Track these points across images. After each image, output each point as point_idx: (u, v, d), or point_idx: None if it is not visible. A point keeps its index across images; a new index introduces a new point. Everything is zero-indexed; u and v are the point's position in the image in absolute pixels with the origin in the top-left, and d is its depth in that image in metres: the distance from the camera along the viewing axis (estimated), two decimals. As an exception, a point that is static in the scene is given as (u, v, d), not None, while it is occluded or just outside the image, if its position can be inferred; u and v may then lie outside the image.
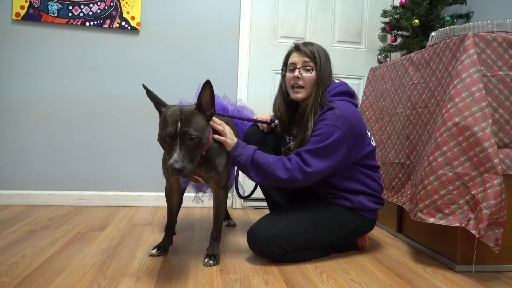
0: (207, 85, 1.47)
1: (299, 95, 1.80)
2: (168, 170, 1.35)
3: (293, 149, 1.78)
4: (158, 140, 1.46)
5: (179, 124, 1.38)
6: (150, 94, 1.51)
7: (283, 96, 1.91)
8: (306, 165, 1.62)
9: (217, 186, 1.71)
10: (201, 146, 1.46)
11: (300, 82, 1.78)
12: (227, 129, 1.70)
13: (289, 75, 1.82)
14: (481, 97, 1.59)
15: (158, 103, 1.50)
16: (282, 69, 1.91)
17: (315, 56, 1.77)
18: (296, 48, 1.83)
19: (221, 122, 1.71)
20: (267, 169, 1.64)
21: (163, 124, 1.41)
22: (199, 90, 2.02)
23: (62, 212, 2.50)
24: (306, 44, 1.82)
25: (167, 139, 1.39)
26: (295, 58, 1.81)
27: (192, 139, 1.39)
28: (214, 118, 1.69)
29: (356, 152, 1.74)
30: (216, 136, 1.66)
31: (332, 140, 1.62)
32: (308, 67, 1.77)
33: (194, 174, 1.65)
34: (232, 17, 2.88)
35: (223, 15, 2.87)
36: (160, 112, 1.49)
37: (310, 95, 1.78)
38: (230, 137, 1.69)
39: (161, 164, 1.75)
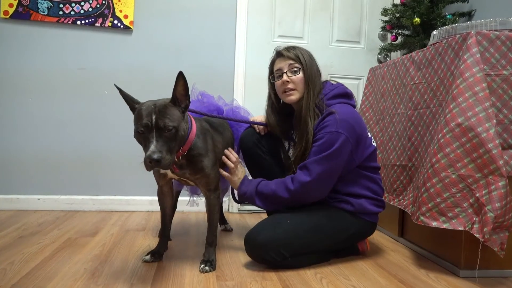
0: (180, 76, 1.47)
1: (293, 97, 1.81)
2: (146, 162, 1.37)
3: (293, 157, 1.80)
4: (134, 136, 1.47)
5: (153, 117, 1.40)
6: (122, 94, 1.52)
7: (272, 106, 1.95)
8: (307, 175, 1.66)
9: (207, 189, 1.70)
10: (178, 138, 1.47)
11: (290, 85, 1.80)
12: (239, 170, 1.83)
13: (278, 82, 1.85)
14: (485, 97, 1.59)
15: (132, 101, 1.52)
16: (269, 78, 1.93)
17: (298, 57, 1.80)
18: (278, 54, 1.86)
19: (237, 158, 1.84)
20: (271, 196, 1.73)
21: (137, 118, 1.44)
22: (193, 91, 2.02)
23: (52, 217, 2.47)
24: (287, 48, 1.85)
25: (143, 132, 1.41)
26: (280, 64, 1.84)
27: (168, 130, 1.41)
28: (231, 152, 1.83)
29: (359, 155, 1.75)
30: (223, 173, 1.80)
31: (336, 147, 1.64)
32: (295, 69, 1.80)
33: (182, 175, 1.66)
34: (228, 16, 2.87)
35: (219, 13, 2.86)
36: (134, 110, 1.51)
37: (303, 96, 1.80)
38: (238, 176, 1.83)
39: None
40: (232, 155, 1.82)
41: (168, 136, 1.42)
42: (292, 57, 1.80)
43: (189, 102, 1.55)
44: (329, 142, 1.64)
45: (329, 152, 1.64)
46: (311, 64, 1.81)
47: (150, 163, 1.36)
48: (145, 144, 1.42)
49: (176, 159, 1.58)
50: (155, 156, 1.35)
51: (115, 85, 1.54)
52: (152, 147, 1.37)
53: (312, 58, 1.85)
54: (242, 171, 1.85)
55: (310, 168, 1.66)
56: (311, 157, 1.68)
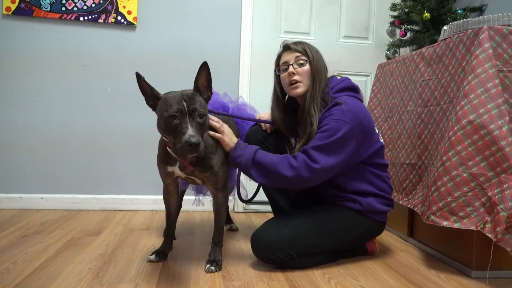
0: (204, 67, 1.51)
1: (299, 89, 1.81)
2: (184, 147, 1.36)
3: (298, 149, 1.78)
4: (160, 124, 1.47)
5: (184, 103, 1.42)
6: (143, 82, 1.50)
7: (278, 101, 1.95)
8: (314, 162, 1.61)
9: (215, 188, 1.70)
10: (206, 127, 1.50)
11: (296, 77, 1.80)
12: (226, 128, 1.72)
13: (284, 74, 1.86)
14: (497, 93, 1.58)
15: (155, 91, 1.51)
16: (275, 70, 1.93)
17: (305, 50, 1.82)
18: (286, 47, 1.88)
19: (218, 119, 1.72)
20: (270, 168, 1.65)
21: (167, 105, 1.43)
22: None
23: (55, 216, 2.49)
24: (295, 42, 1.87)
25: (176, 118, 1.41)
26: (286, 57, 1.85)
27: (201, 116, 1.44)
28: (210, 116, 1.70)
29: (364, 149, 1.74)
30: (212, 133, 1.67)
31: (340, 135, 1.62)
32: (301, 61, 1.81)
33: (190, 174, 1.65)
34: (233, 11, 2.87)
35: (224, 9, 2.86)
36: (155, 101, 1.51)
37: (309, 89, 1.80)
38: (228, 136, 1.71)
39: (157, 165, 1.75)
40: (213, 118, 1.71)
41: (200, 123, 1.44)
42: (299, 50, 1.82)
43: (211, 94, 1.58)
44: (333, 129, 1.63)
45: (333, 139, 1.61)
46: (317, 58, 1.82)
47: (190, 147, 1.35)
48: (177, 130, 1.41)
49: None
50: (194, 139, 1.35)
51: (136, 73, 1.50)
52: (190, 131, 1.37)
53: (319, 54, 1.86)
54: (231, 132, 1.74)
55: (313, 155, 1.61)
56: (313, 142, 1.65)
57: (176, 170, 1.66)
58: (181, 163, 1.62)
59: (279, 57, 1.91)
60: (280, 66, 1.88)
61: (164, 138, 1.56)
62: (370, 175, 1.79)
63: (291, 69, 1.81)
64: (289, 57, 1.83)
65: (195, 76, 1.52)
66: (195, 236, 2.17)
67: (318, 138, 1.65)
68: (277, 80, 1.95)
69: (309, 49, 1.82)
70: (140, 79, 1.49)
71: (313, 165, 1.60)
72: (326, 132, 1.64)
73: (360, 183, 1.78)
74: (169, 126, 1.43)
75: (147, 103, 1.54)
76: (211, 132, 1.67)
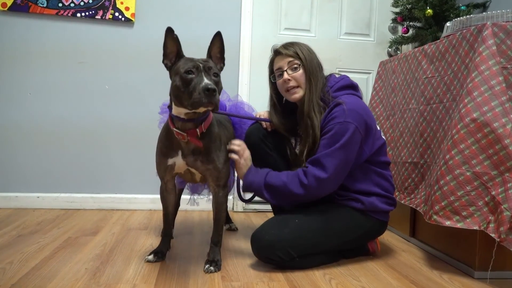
0: (217, 36, 1.60)
1: (297, 95, 1.81)
2: (201, 95, 1.39)
3: (300, 153, 1.79)
4: (176, 82, 1.49)
5: (200, 65, 1.48)
6: (173, 40, 1.57)
7: (275, 107, 1.95)
8: (324, 171, 1.63)
9: (216, 185, 1.69)
10: (219, 88, 1.55)
11: (292, 83, 1.80)
12: (246, 154, 1.77)
13: (279, 81, 1.85)
14: (501, 91, 1.57)
15: (181, 52, 1.59)
16: (270, 78, 1.93)
17: (297, 53, 1.80)
18: (277, 52, 1.87)
19: (242, 143, 1.78)
20: (282, 190, 1.68)
21: (185, 63, 1.50)
22: None
23: (52, 216, 2.48)
24: (285, 45, 1.85)
25: (192, 73, 1.45)
26: (279, 62, 1.84)
27: (215, 75, 1.52)
28: (237, 140, 1.79)
29: (369, 146, 1.74)
30: (232, 155, 1.74)
31: (346, 137, 1.63)
32: (295, 65, 1.80)
33: (193, 164, 1.65)
34: (233, 7, 2.87)
35: (223, 5, 2.85)
36: (174, 61, 1.58)
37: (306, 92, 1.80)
38: (245, 162, 1.76)
39: (155, 164, 1.74)
40: (236, 141, 1.78)
41: (215, 81, 1.49)
42: (291, 54, 1.80)
43: (223, 65, 1.65)
44: (339, 133, 1.63)
45: (340, 144, 1.62)
46: (310, 59, 1.81)
47: (208, 91, 1.38)
48: (193, 83, 1.44)
49: (198, 132, 1.58)
50: (212, 86, 1.39)
51: (168, 27, 1.56)
52: (206, 80, 1.42)
53: (312, 52, 1.85)
54: (249, 158, 1.79)
55: (325, 163, 1.63)
56: (321, 150, 1.67)
57: (178, 160, 1.64)
58: (185, 150, 1.61)
59: (271, 63, 1.91)
60: (274, 73, 1.88)
61: (174, 101, 1.54)
62: (374, 174, 1.79)
63: (285, 75, 1.80)
64: (282, 62, 1.82)
65: (208, 45, 1.61)
66: (194, 236, 2.17)
67: (326, 145, 1.66)
68: (272, 86, 1.94)
69: (301, 51, 1.81)
70: (170, 34, 1.55)
71: (323, 175, 1.62)
72: (333, 138, 1.64)
73: (364, 182, 1.78)
74: (184, 81, 1.46)
75: (164, 61, 1.60)
76: (231, 155, 1.73)
